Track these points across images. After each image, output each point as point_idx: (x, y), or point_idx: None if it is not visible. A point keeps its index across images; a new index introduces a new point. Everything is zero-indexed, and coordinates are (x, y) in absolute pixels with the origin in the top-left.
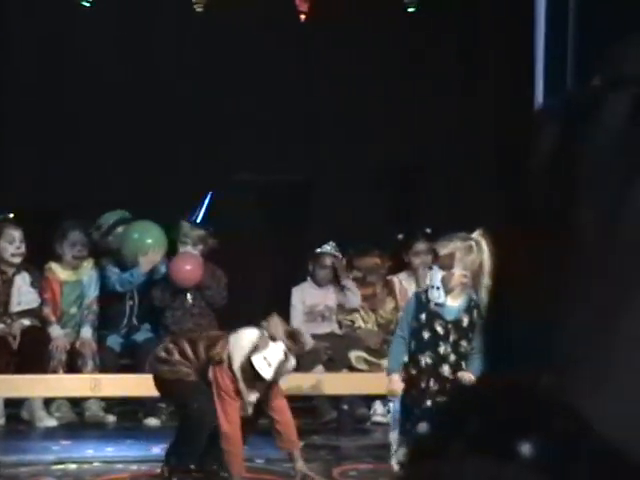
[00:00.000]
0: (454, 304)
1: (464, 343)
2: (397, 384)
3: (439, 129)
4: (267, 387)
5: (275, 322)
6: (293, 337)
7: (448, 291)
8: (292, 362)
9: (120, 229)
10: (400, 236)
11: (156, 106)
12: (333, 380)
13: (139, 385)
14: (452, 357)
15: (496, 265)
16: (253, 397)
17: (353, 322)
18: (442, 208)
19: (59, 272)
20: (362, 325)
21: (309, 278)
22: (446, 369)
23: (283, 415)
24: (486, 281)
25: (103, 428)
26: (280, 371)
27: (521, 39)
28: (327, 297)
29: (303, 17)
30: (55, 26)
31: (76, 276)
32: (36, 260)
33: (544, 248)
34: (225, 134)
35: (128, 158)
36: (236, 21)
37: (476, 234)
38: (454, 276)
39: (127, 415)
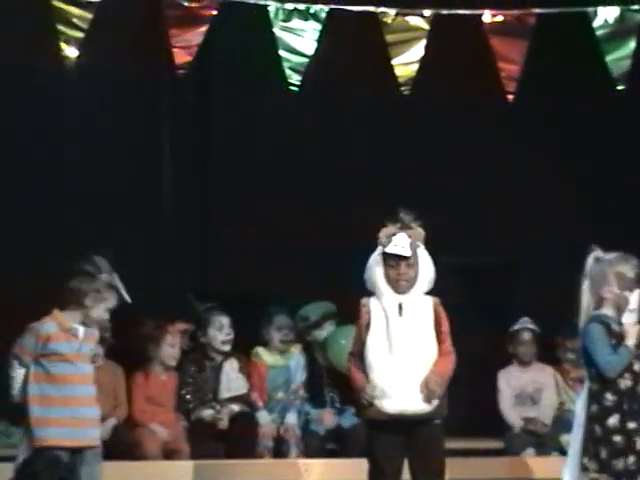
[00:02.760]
0: None
1: None
2: None
3: None
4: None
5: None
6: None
7: None
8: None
9: (328, 325)
10: None
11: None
12: (544, 464)
13: (349, 470)
14: None
15: None
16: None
17: (562, 404)
18: None
19: (266, 357)
20: (572, 407)
21: (514, 360)
22: None
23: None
24: None
25: None
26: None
27: None
28: (536, 378)
29: None
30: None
31: (283, 361)
32: (243, 346)
33: None
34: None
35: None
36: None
37: None
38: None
39: None
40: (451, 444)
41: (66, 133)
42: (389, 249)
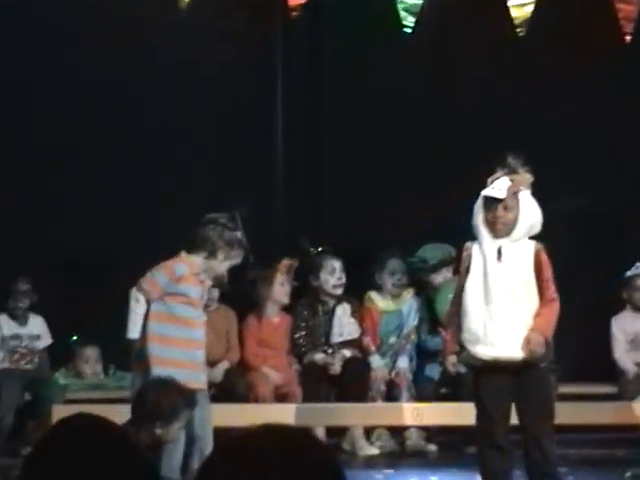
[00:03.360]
0: None
1: None
2: None
3: None
4: None
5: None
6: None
7: None
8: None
9: (445, 271)
10: None
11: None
12: None
13: (460, 414)
14: None
15: None
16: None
17: None
18: None
19: (378, 301)
20: None
21: (628, 306)
22: None
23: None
24: None
25: (425, 457)
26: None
27: None
28: None
29: None
30: None
31: (395, 305)
32: (355, 291)
33: None
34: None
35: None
36: None
37: None
38: None
39: (449, 444)
40: (564, 389)
41: (172, 82)
42: (485, 191)
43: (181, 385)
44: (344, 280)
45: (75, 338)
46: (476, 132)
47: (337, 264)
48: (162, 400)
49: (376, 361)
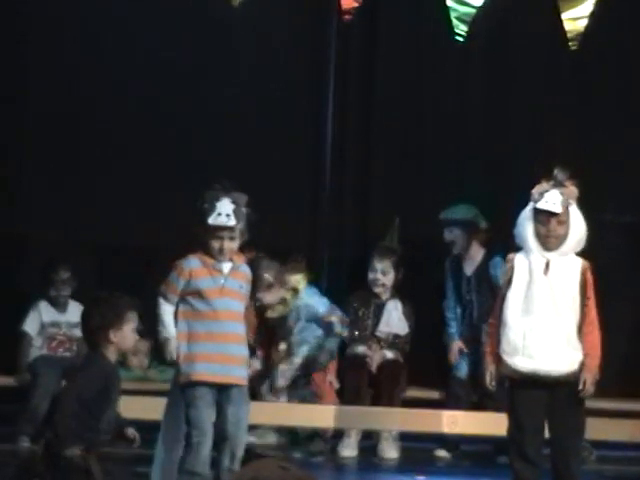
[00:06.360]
0: None
1: None
2: None
3: None
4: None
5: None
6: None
7: None
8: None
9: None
10: None
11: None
12: None
13: (495, 423)
14: None
15: None
16: None
17: None
18: None
19: None
20: None
21: None
22: None
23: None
24: None
25: (457, 465)
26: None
27: None
28: None
29: None
30: None
31: None
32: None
33: None
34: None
35: None
36: None
37: None
38: None
39: (480, 454)
40: (604, 404)
41: (229, 76)
42: (540, 205)
43: (116, 295)
44: (383, 281)
45: None
46: (523, 143)
47: (379, 265)
48: (104, 309)
49: None
